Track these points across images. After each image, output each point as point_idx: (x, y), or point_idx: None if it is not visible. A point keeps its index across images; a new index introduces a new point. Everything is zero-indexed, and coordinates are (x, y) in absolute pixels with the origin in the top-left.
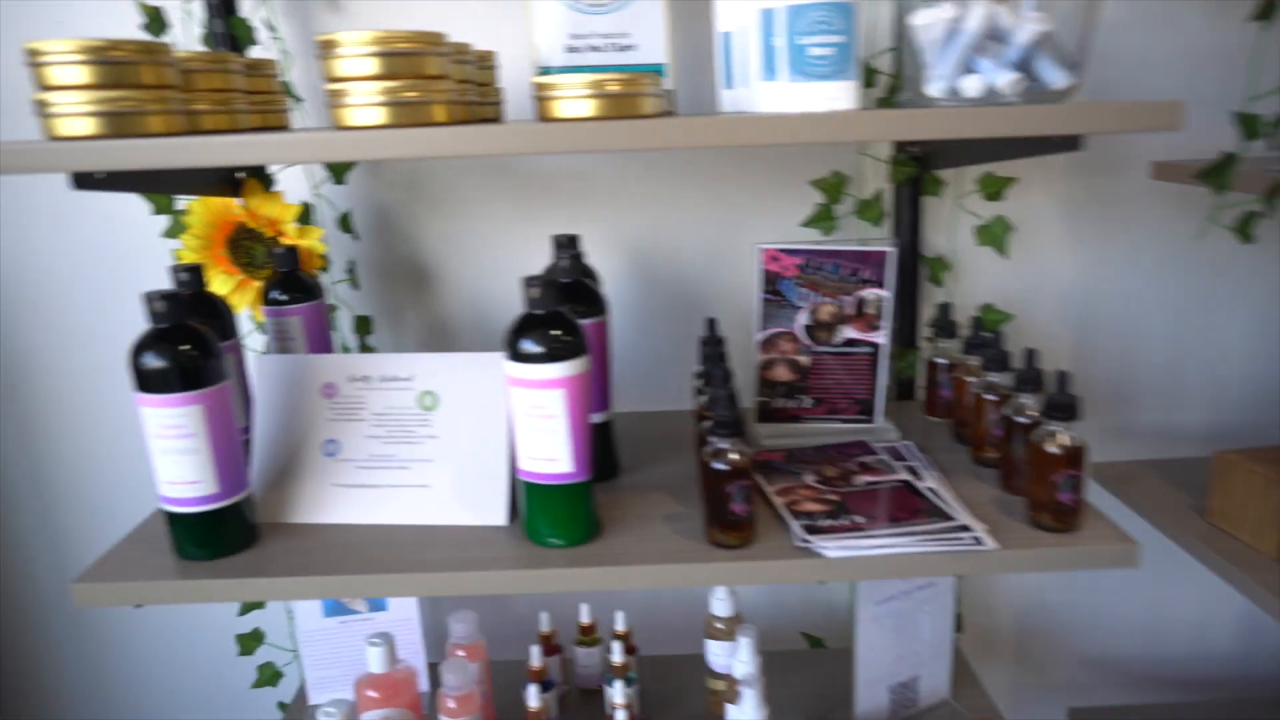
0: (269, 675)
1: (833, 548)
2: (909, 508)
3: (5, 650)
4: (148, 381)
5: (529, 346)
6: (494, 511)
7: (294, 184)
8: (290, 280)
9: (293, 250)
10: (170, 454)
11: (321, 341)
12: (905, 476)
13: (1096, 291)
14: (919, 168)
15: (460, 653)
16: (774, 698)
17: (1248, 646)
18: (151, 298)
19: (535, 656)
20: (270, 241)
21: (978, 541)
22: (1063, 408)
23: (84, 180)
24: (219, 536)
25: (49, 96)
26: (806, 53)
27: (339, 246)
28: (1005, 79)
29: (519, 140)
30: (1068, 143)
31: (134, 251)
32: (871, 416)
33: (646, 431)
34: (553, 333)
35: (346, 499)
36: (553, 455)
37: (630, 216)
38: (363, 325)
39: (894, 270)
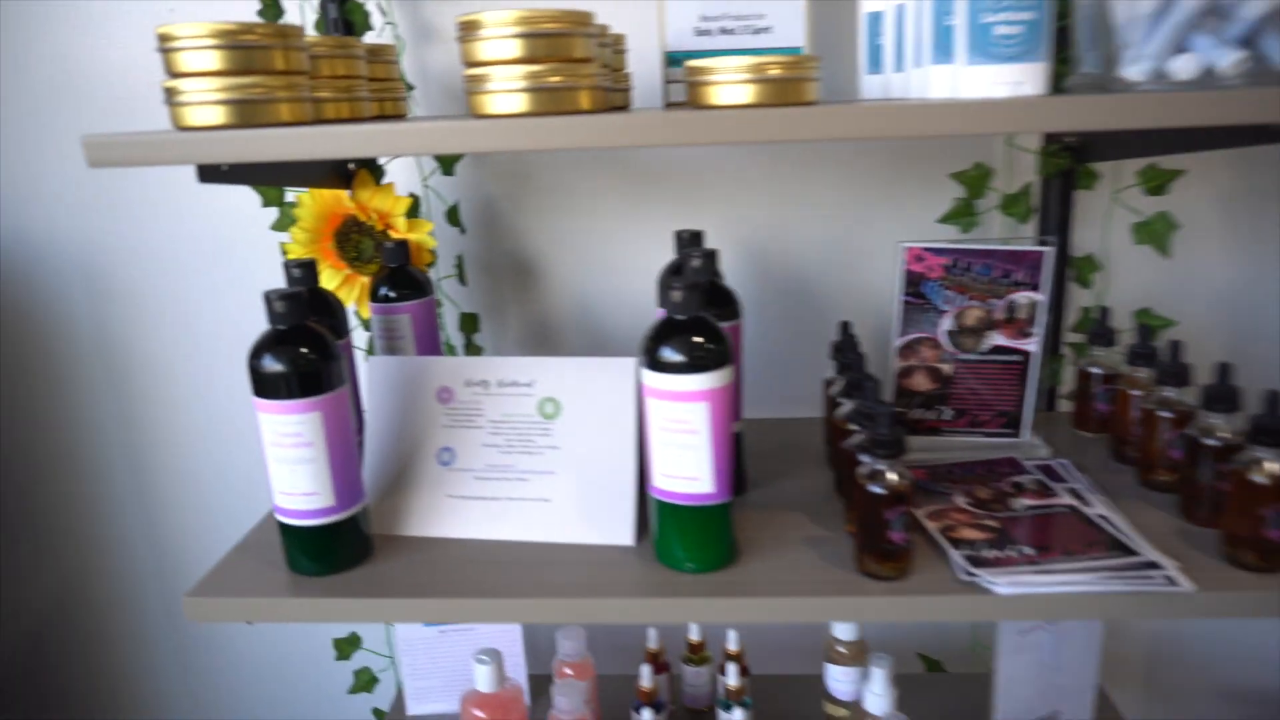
0: (365, 681)
1: (1004, 583)
2: (1082, 538)
3: (104, 650)
4: (266, 386)
5: (670, 355)
6: (620, 530)
7: (403, 175)
8: (399, 276)
9: (403, 244)
10: (287, 463)
11: (430, 341)
12: (1069, 501)
13: (1252, 296)
14: (1072, 159)
15: (568, 671)
16: None
17: None
18: (272, 298)
19: (646, 676)
20: (379, 235)
21: (1170, 581)
22: (1272, 432)
23: (208, 173)
24: (334, 551)
25: (178, 84)
26: (992, 32)
27: (443, 241)
28: (1229, 58)
29: (678, 130)
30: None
31: (239, 245)
32: (1017, 430)
33: (772, 441)
34: (696, 340)
35: (462, 511)
36: (693, 474)
37: (749, 210)
38: (469, 323)
39: (1050, 272)
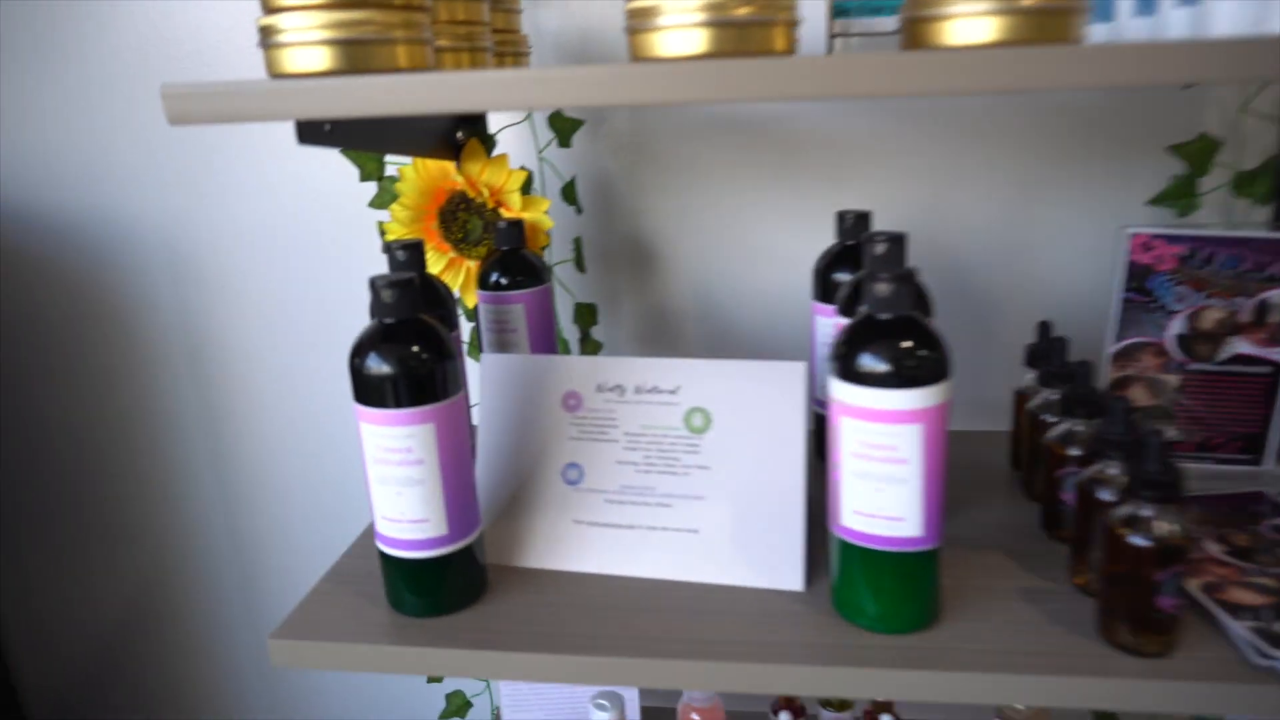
0: (458, 705)
1: None
2: None
3: (180, 656)
4: (370, 391)
5: (873, 363)
6: (787, 573)
7: (515, 148)
8: (512, 260)
9: (517, 225)
10: (393, 484)
11: (546, 335)
12: None
13: None
14: None
15: (695, 716)
16: None
17: None
18: (379, 285)
19: None
20: (489, 214)
21: None
22: None
23: (309, 132)
24: (444, 587)
25: (276, 20)
26: None
27: (560, 222)
28: None
29: (920, 76)
30: None
31: (333, 225)
32: (1259, 457)
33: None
34: (906, 345)
35: (592, 541)
36: (896, 513)
37: (908, 189)
38: (585, 315)
39: None
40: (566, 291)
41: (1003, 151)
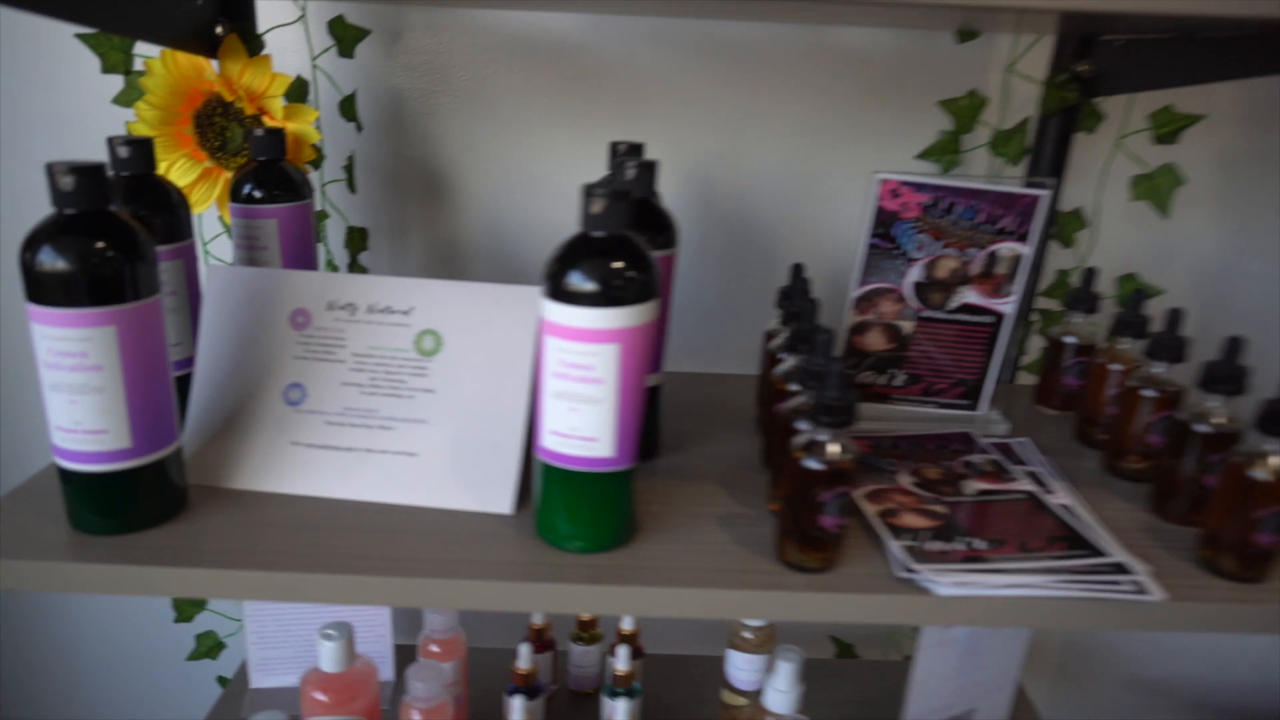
0: (209, 646)
1: (947, 583)
2: (1040, 532)
3: None
4: (42, 289)
5: (579, 281)
6: (498, 496)
7: (287, 51)
8: (270, 173)
9: (278, 134)
10: (66, 391)
11: (303, 255)
12: (1028, 487)
13: (1237, 266)
14: (1081, 93)
15: (435, 649)
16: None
17: None
18: (57, 170)
19: (523, 657)
20: (250, 121)
21: (1139, 589)
22: None
23: None
24: (129, 505)
25: None
26: None
27: (336, 139)
28: None
29: None
30: None
31: (71, 126)
32: (975, 402)
33: (698, 399)
34: (616, 265)
35: (308, 462)
36: (591, 433)
37: (698, 130)
38: (356, 239)
39: (1041, 221)
40: (338, 213)
41: (792, 100)
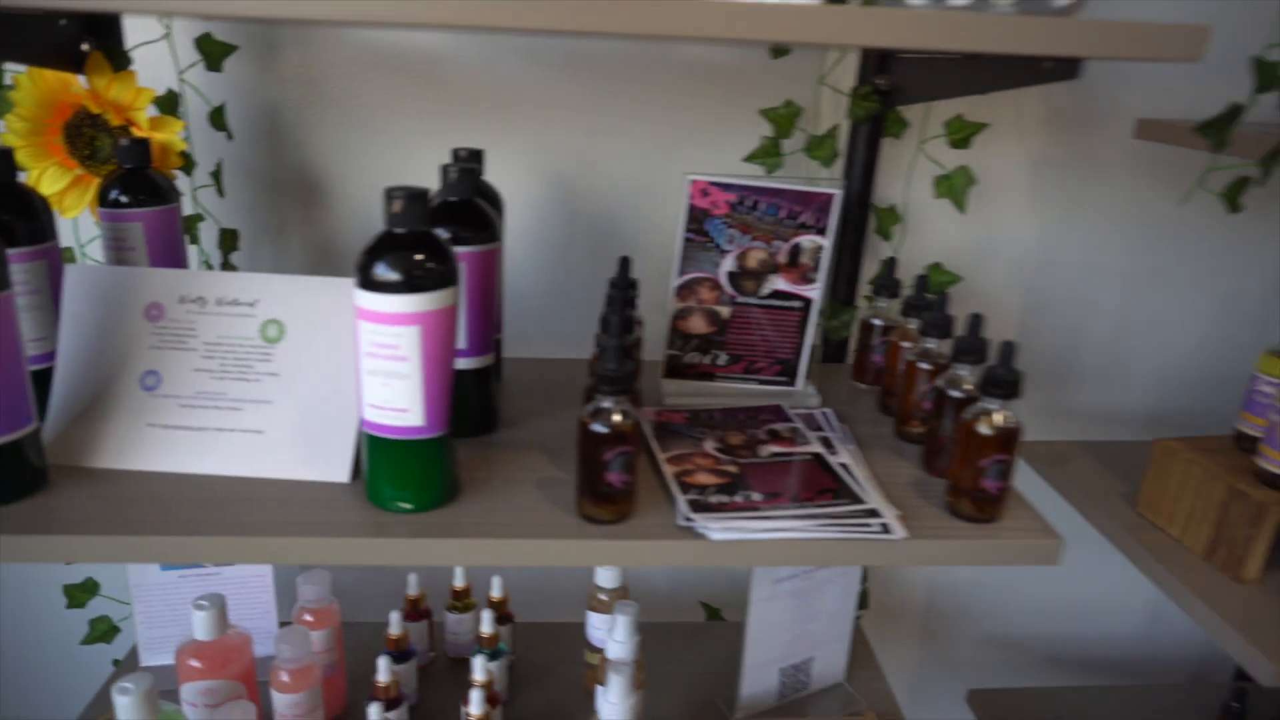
0: (102, 630)
1: (717, 529)
2: (816, 485)
3: None
4: None
5: (383, 272)
6: (337, 466)
7: (156, 65)
8: (136, 179)
9: (142, 144)
10: None
11: (170, 254)
12: (817, 449)
13: (1053, 258)
14: (882, 103)
15: (308, 617)
16: (665, 673)
17: (1153, 632)
18: None
19: (394, 624)
20: (119, 131)
21: (885, 529)
22: (1003, 384)
23: None
24: None
25: None
26: None
27: (213, 147)
28: None
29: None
30: (1065, 69)
31: None
32: (794, 379)
33: (541, 381)
34: (415, 256)
35: (163, 442)
36: (402, 405)
37: (552, 137)
38: (228, 240)
39: (837, 216)
40: (211, 217)
41: (642, 108)
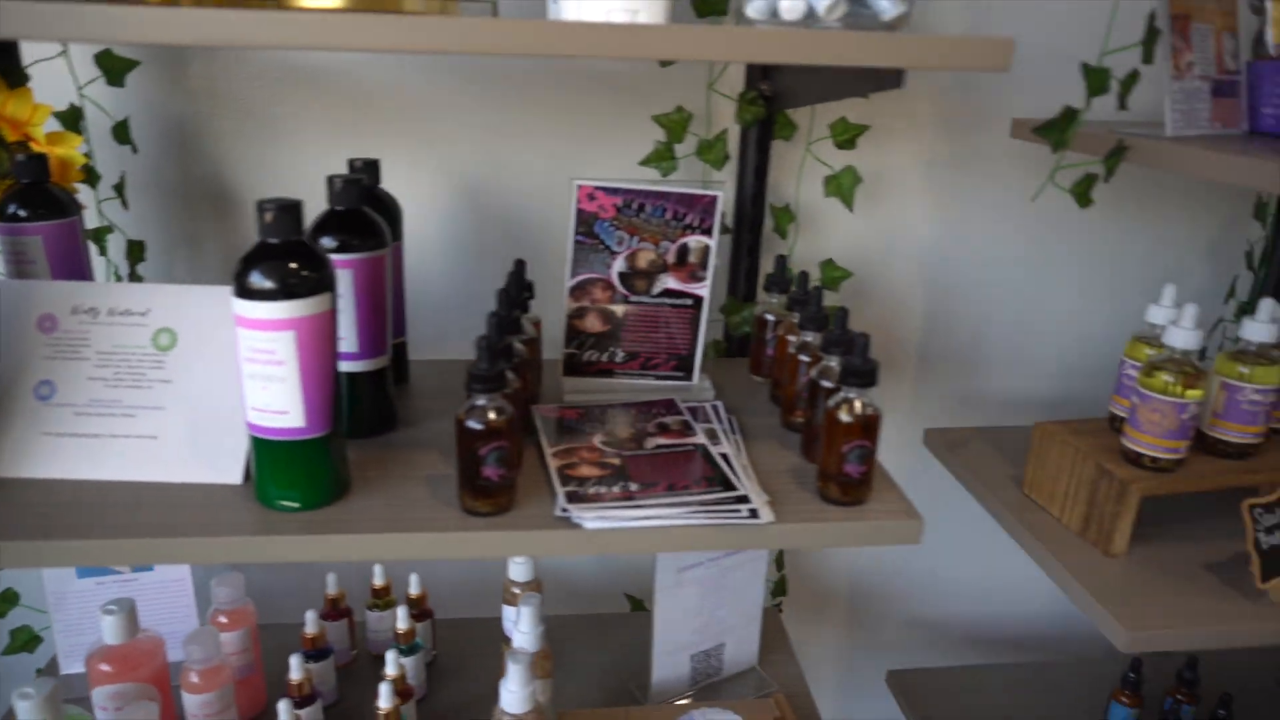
0: (24, 640)
1: (591, 519)
2: (693, 475)
3: None
4: None
5: (257, 280)
6: (229, 468)
7: (53, 82)
8: (34, 194)
9: (40, 159)
10: None
11: (71, 267)
12: (701, 440)
13: (950, 252)
14: (766, 108)
15: (223, 619)
16: (585, 663)
17: (1062, 610)
18: None
19: (310, 622)
20: (17, 147)
21: (754, 514)
22: (859, 373)
23: None
24: None
25: None
26: None
27: (120, 160)
28: (825, 2)
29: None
30: (891, 78)
31: None
32: (689, 373)
33: (442, 382)
34: (289, 265)
35: (59, 450)
36: (281, 407)
37: (452, 144)
38: (135, 251)
39: (719, 217)
40: (118, 229)
41: (539, 116)
